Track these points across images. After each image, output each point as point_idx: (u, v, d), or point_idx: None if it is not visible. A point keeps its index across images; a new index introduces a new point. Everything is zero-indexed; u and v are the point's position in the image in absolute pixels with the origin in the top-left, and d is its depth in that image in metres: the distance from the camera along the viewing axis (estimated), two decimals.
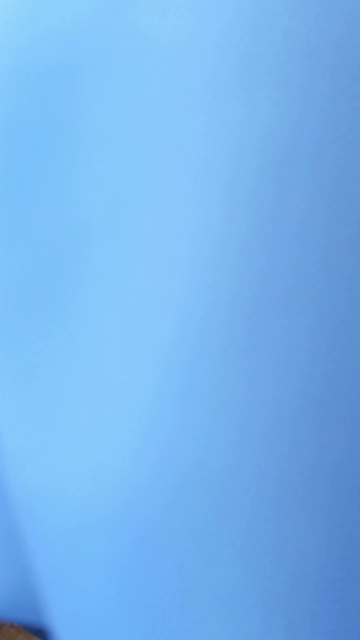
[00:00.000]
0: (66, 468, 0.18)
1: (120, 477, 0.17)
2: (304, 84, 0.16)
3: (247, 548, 0.16)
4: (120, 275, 0.17)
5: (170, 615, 0.17)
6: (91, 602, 0.18)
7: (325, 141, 0.16)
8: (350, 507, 0.16)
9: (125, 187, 0.17)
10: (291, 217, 0.16)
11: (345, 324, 0.16)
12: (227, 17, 0.16)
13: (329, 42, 0.16)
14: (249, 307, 0.16)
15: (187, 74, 0.16)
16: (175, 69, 0.16)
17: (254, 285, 0.16)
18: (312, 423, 0.16)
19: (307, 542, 0.16)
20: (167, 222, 0.16)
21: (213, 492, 0.16)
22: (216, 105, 0.16)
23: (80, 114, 0.17)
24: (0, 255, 0.18)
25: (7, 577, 0.21)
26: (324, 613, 0.16)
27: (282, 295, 0.16)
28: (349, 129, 0.16)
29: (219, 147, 0.16)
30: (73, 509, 0.18)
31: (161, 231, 0.17)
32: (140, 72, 0.17)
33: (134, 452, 0.17)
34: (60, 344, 0.18)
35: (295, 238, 0.16)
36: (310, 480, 0.16)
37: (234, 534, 0.16)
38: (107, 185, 0.17)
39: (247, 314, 0.16)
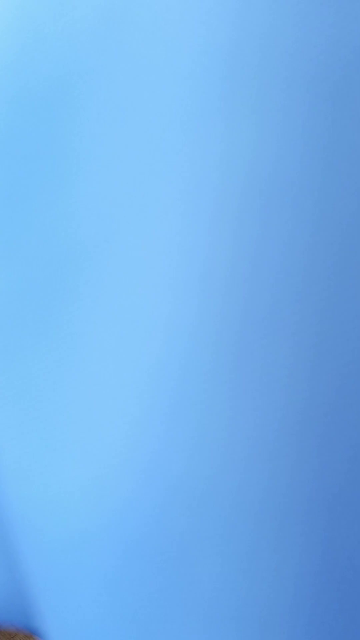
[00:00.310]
0: (59, 480, 0.18)
1: (112, 489, 0.17)
2: (283, 110, 0.16)
3: (233, 557, 0.17)
4: (114, 291, 0.17)
5: (160, 624, 0.17)
6: (83, 609, 0.18)
7: (307, 165, 0.16)
8: (330, 521, 0.16)
9: (120, 203, 0.17)
10: (275, 240, 0.16)
11: (329, 344, 0.16)
12: (213, 42, 0.16)
13: (308, 68, 0.16)
14: (236, 326, 0.16)
15: (177, 95, 0.17)
16: (165, 89, 0.17)
17: (240, 304, 0.16)
18: (295, 437, 0.16)
19: (291, 555, 0.16)
20: (159, 240, 0.17)
21: (200, 503, 0.17)
22: (201, 131, 0.16)
23: (76, 130, 0.18)
24: None
25: (3, 582, 0.21)
26: (301, 624, 0.16)
27: (268, 315, 0.16)
28: (329, 151, 0.16)
29: (204, 171, 0.16)
30: (66, 519, 0.18)
31: (153, 249, 0.17)
32: (134, 92, 0.17)
33: (125, 464, 0.17)
34: (55, 359, 0.18)
35: (280, 260, 0.16)
36: (292, 493, 0.16)
37: (220, 544, 0.16)
38: (102, 201, 0.17)
39: (233, 332, 0.16)
